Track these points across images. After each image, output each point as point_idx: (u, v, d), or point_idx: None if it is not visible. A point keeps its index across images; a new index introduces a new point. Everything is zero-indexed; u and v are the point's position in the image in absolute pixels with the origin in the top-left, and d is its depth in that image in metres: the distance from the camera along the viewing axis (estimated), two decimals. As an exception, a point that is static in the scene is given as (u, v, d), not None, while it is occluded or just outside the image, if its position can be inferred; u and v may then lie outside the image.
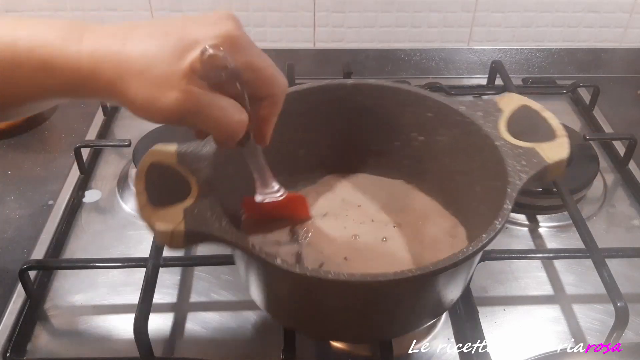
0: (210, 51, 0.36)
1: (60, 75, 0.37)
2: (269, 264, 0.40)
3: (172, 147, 0.48)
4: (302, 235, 0.55)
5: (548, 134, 0.51)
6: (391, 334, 0.51)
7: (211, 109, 0.38)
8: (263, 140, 0.45)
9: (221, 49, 0.36)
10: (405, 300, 0.45)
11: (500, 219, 0.43)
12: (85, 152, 0.75)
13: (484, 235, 0.42)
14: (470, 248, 0.42)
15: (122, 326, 0.56)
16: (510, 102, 0.55)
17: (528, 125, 0.52)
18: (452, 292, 0.48)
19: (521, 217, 0.69)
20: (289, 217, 0.56)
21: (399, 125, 0.59)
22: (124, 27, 0.38)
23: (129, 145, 0.73)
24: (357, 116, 0.59)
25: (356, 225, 0.57)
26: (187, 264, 0.62)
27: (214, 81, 0.37)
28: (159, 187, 0.44)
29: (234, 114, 0.39)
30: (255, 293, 0.49)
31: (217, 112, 0.38)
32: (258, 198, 0.50)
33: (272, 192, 0.50)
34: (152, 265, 0.56)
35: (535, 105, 0.54)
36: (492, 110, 0.54)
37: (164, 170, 0.46)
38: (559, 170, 0.50)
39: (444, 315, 0.57)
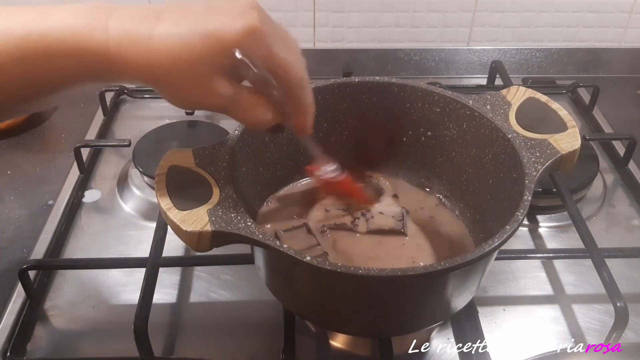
0: (238, 56, 0.37)
1: (90, 61, 0.38)
2: (299, 261, 0.40)
3: (188, 150, 0.48)
4: (317, 232, 0.56)
5: (558, 125, 0.52)
6: (413, 328, 0.52)
7: (237, 111, 0.41)
8: (301, 132, 0.46)
9: (247, 54, 0.38)
10: (431, 294, 0.45)
11: (521, 210, 0.44)
12: (85, 152, 0.75)
13: (507, 226, 0.43)
14: (496, 239, 0.42)
15: (122, 326, 0.56)
16: (517, 95, 0.55)
17: (536, 117, 0.53)
18: (473, 284, 0.48)
19: (521, 217, 0.69)
20: (348, 197, 0.58)
21: (406, 121, 0.59)
22: (149, 12, 0.38)
23: (128, 145, 0.73)
24: (364, 113, 0.59)
25: (365, 222, 0.58)
26: (187, 263, 0.62)
27: (240, 78, 0.40)
28: (179, 190, 0.45)
29: (259, 114, 0.41)
30: (279, 290, 0.49)
31: (242, 113, 0.41)
32: (318, 172, 0.53)
33: (328, 173, 0.53)
34: (152, 265, 0.55)
35: (542, 97, 0.55)
36: (501, 103, 0.55)
37: (183, 172, 0.47)
38: (572, 161, 0.51)
39: (444, 315, 0.57)
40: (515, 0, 0.91)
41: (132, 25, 0.38)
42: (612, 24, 0.94)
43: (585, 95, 0.90)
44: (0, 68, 0.38)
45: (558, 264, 0.63)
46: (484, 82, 0.92)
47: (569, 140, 0.51)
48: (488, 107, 0.54)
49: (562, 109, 0.54)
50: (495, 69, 0.89)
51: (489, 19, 0.93)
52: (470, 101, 0.55)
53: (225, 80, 0.39)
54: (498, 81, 0.89)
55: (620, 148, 0.78)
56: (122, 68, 0.38)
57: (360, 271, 0.40)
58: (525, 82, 0.93)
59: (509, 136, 0.51)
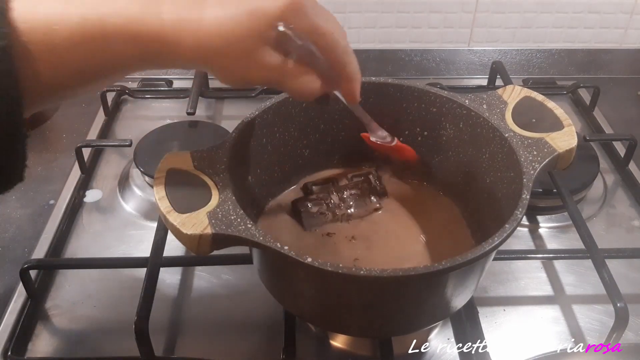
0: (280, 29, 0.40)
1: (145, 46, 0.39)
2: (301, 262, 0.40)
3: (186, 153, 0.48)
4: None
5: (554, 124, 0.53)
6: (414, 328, 0.52)
7: (286, 81, 0.43)
8: (351, 100, 0.49)
9: (290, 26, 0.40)
10: (432, 293, 0.45)
11: (520, 209, 0.44)
12: (86, 152, 0.75)
13: (507, 225, 0.43)
14: (496, 238, 0.42)
15: (123, 326, 0.56)
16: (513, 94, 0.55)
17: (533, 116, 0.53)
18: (473, 283, 0.48)
19: (521, 218, 0.69)
20: (400, 161, 0.59)
21: (402, 122, 0.59)
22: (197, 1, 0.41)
23: (130, 145, 0.73)
24: None
25: (362, 223, 0.58)
26: (188, 263, 0.62)
27: (287, 51, 0.42)
28: (178, 193, 0.45)
29: (307, 82, 0.44)
30: (279, 292, 0.49)
31: (291, 82, 0.43)
32: (372, 138, 0.55)
33: (383, 138, 0.55)
34: (153, 264, 0.56)
35: (538, 96, 0.55)
36: (497, 103, 0.55)
37: (181, 175, 0.46)
38: (568, 159, 0.51)
39: (444, 315, 0.57)
40: (515, 1, 0.91)
41: (184, 10, 0.40)
42: (612, 25, 0.94)
43: (585, 95, 0.90)
44: (57, 52, 0.38)
45: (558, 264, 0.63)
46: (484, 82, 0.92)
47: (565, 139, 0.51)
48: (484, 106, 0.55)
49: (558, 108, 0.54)
50: (496, 70, 0.89)
51: (489, 20, 0.93)
52: (467, 101, 0.55)
53: (272, 52, 0.41)
54: (499, 82, 0.89)
55: (620, 149, 0.78)
56: (175, 51, 0.40)
57: (362, 272, 0.40)
58: (526, 83, 0.93)
59: (506, 135, 0.51)
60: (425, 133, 0.59)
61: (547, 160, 0.49)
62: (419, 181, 0.62)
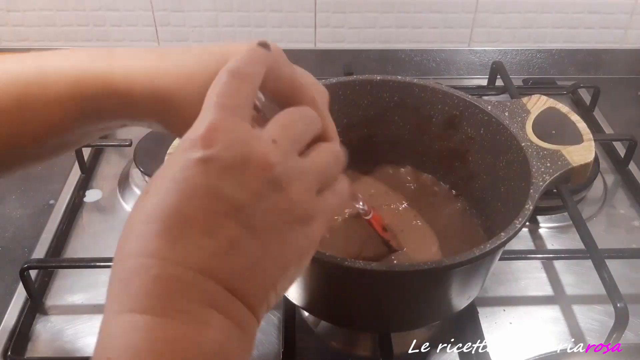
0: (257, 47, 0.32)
1: (90, 92, 0.35)
2: (316, 258, 0.40)
3: None
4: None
5: (574, 137, 0.51)
6: (419, 324, 0.52)
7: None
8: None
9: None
10: (437, 289, 0.45)
11: (520, 219, 0.44)
12: (86, 152, 0.75)
13: (502, 233, 0.43)
14: (488, 245, 0.42)
15: (123, 325, 0.56)
16: (537, 104, 0.55)
17: (554, 128, 0.52)
18: (477, 284, 0.48)
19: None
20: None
21: (425, 122, 0.59)
22: (157, 48, 0.37)
23: (129, 145, 0.73)
24: (385, 112, 0.59)
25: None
26: (188, 263, 0.62)
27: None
28: None
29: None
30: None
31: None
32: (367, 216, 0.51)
33: (357, 208, 0.50)
34: (153, 264, 0.55)
35: (562, 107, 0.54)
36: (519, 112, 0.54)
37: None
38: (583, 175, 0.50)
39: (444, 316, 0.57)
40: (516, 1, 0.91)
41: (139, 53, 0.35)
42: (612, 25, 0.94)
43: (585, 96, 0.90)
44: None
45: (558, 264, 0.63)
46: (484, 82, 0.92)
47: (582, 153, 0.50)
48: (506, 114, 0.54)
49: (581, 121, 0.53)
50: (496, 70, 0.89)
51: (489, 20, 0.93)
52: (489, 107, 0.54)
53: None
54: (499, 82, 0.89)
55: (620, 149, 0.78)
56: (127, 94, 0.34)
57: (370, 266, 0.40)
58: (526, 83, 0.93)
59: (522, 144, 0.50)
60: (447, 136, 0.58)
61: (558, 173, 0.48)
62: (436, 184, 0.62)
